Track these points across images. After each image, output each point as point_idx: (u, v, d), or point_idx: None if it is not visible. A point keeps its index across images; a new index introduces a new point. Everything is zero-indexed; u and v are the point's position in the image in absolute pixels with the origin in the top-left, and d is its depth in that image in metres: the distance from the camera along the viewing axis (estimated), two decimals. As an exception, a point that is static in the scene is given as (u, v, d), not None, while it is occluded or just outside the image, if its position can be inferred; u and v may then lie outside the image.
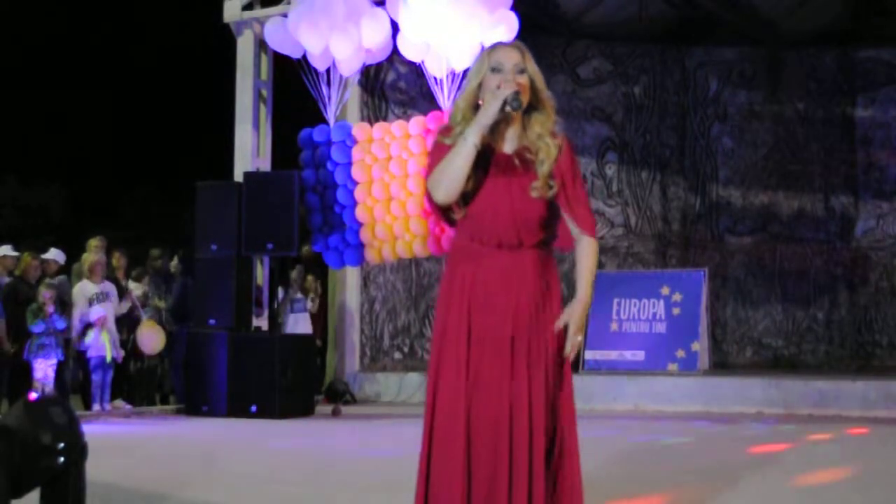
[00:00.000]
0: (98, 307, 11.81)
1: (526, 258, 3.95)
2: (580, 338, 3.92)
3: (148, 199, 25.89)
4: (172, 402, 13.22)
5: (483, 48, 4.16)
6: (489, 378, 3.86)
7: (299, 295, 13.78)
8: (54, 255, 12.77)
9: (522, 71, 3.91)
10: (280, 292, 13.61)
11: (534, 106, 3.96)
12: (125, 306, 12.41)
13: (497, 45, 4.02)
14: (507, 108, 3.86)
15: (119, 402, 12.10)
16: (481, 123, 3.85)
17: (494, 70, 3.91)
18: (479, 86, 3.95)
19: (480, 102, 3.94)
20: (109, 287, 12.07)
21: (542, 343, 3.90)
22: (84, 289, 11.89)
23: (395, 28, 11.69)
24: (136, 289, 13.13)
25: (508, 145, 3.97)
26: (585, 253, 4.01)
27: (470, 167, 3.86)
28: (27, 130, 23.57)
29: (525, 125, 3.97)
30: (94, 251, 12.19)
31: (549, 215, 3.97)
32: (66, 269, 12.99)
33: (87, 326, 11.75)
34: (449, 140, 3.96)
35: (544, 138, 3.94)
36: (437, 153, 3.98)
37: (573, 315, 3.91)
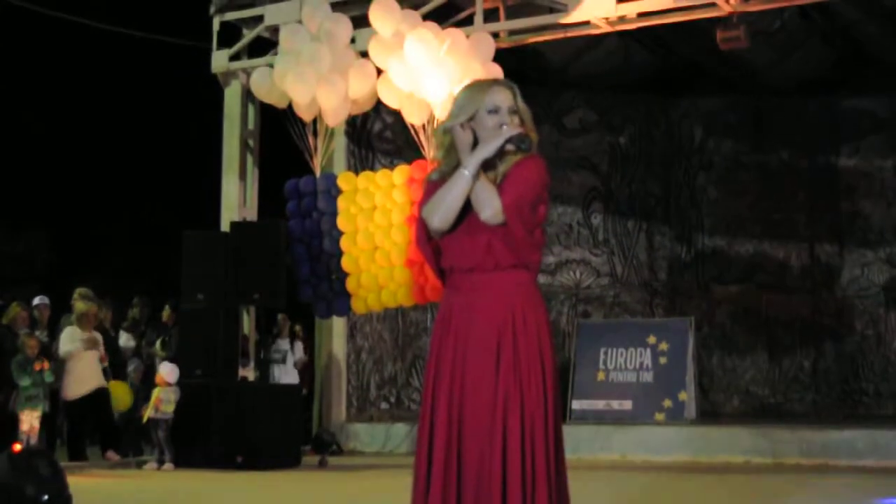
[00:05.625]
0: (168, 365, 11.71)
1: (501, 281, 3.93)
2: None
3: (134, 247, 25.82)
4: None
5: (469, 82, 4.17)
6: (473, 421, 3.84)
7: (281, 343, 13.78)
8: (38, 301, 12.63)
9: (515, 112, 3.98)
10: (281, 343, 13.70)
11: None
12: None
13: (493, 86, 4.04)
14: (513, 147, 3.90)
15: (111, 454, 12.00)
16: (480, 157, 3.89)
17: (491, 112, 3.95)
18: (469, 120, 3.96)
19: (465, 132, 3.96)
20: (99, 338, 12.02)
21: (517, 383, 3.84)
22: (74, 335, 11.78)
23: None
24: (126, 340, 13.05)
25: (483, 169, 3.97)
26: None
27: (466, 197, 3.88)
28: (9, 177, 23.49)
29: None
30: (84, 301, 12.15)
31: (521, 233, 3.91)
32: (54, 318, 12.91)
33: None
34: (435, 175, 4.03)
35: (512, 154, 3.95)
36: (429, 190, 4.02)
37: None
